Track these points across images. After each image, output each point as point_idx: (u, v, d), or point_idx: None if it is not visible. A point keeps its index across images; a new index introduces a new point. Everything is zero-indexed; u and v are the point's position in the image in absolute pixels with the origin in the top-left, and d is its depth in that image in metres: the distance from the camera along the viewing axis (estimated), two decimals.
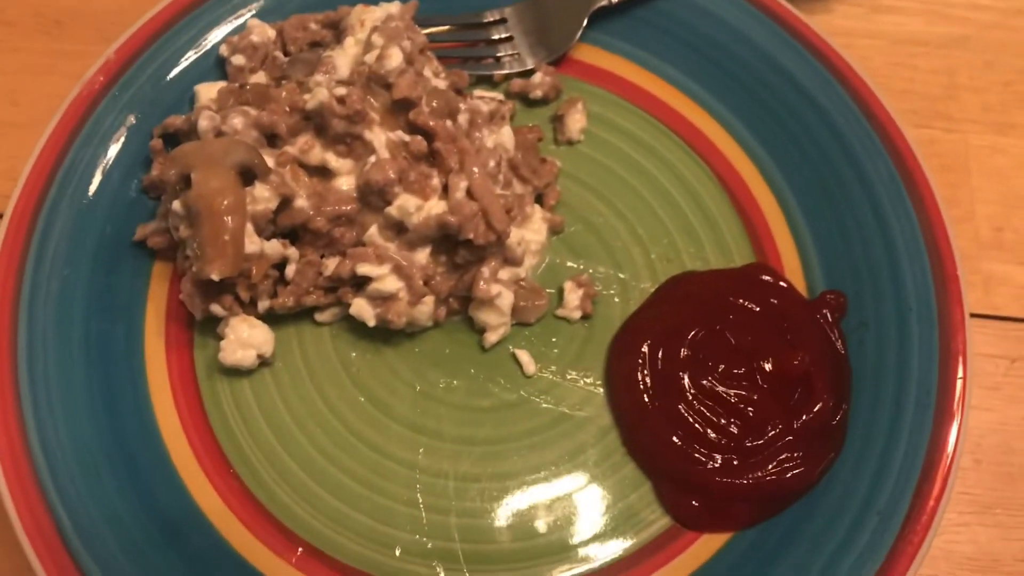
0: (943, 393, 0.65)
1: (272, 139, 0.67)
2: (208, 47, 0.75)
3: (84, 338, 0.67)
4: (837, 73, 0.75)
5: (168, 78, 0.74)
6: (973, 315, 0.73)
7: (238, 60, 0.72)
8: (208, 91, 0.72)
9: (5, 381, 0.63)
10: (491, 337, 0.69)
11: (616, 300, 0.71)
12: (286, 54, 0.74)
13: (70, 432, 0.63)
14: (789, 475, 0.64)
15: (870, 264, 0.70)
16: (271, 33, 0.74)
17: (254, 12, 0.76)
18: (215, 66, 0.75)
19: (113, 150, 0.71)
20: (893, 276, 0.69)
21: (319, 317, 0.69)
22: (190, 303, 0.67)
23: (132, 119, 0.72)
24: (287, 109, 0.67)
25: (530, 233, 0.71)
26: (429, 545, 0.64)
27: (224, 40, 0.74)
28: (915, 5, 0.88)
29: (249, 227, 0.64)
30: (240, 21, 0.75)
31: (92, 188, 0.70)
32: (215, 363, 0.67)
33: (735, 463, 0.64)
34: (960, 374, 0.65)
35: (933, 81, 0.84)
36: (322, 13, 0.75)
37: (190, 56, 0.74)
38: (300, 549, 0.63)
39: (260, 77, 0.72)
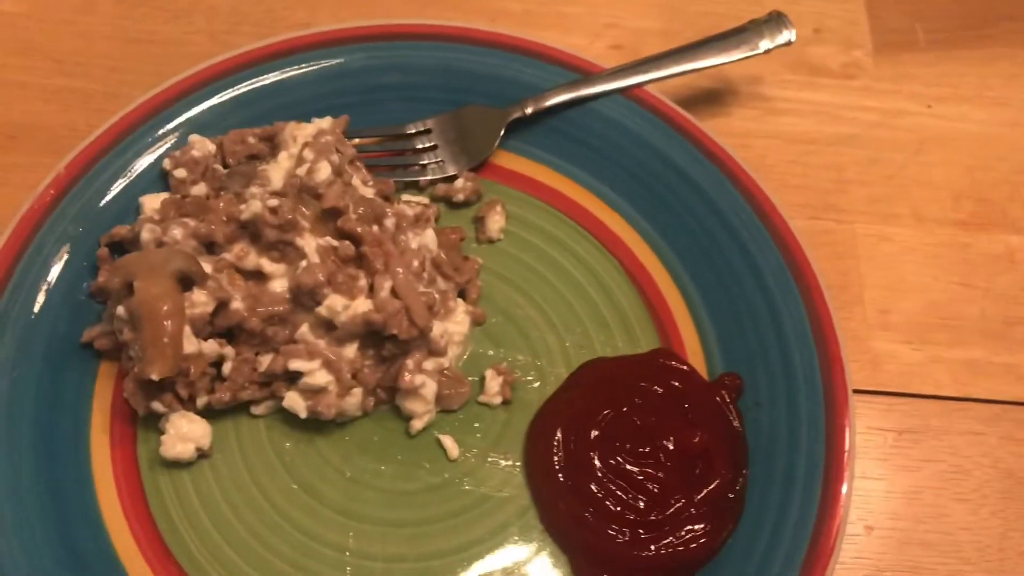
0: (830, 464, 0.71)
1: (210, 247, 0.73)
2: (152, 161, 0.81)
3: (32, 434, 0.71)
4: (728, 172, 0.82)
5: (115, 190, 0.79)
6: (862, 391, 0.81)
7: (180, 173, 0.78)
8: (152, 202, 0.78)
9: None
10: (417, 424, 0.74)
11: (534, 385, 0.77)
12: (225, 166, 0.80)
13: (16, 523, 0.67)
14: (693, 545, 0.69)
15: (763, 348, 0.76)
16: (211, 147, 0.81)
17: (196, 128, 0.82)
18: (159, 178, 0.81)
19: (64, 258, 0.76)
20: (783, 358, 0.75)
21: (255, 410, 0.74)
22: (133, 400, 0.72)
23: (81, 229, 0.77)
24: (224, 219, 0.73)
25: (453, 325, 0.76)
26: None
27: (167, 154, 0.80)
28: (806, 107, 0.96)
29: (188, 329, 0.69)
30: (182, 135, 0.82)
31: (43, 293, 0.75)
32: (157, 456, 0.72)
33: (643, 536, 0.69)
34: (846, 446, 0.71)
35: (824, 176, 0.92)
36: (259, 128, 0.82)
37: (135, 169, 0.80)
38: None
39: (200, 188, 0.78)
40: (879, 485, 0.77)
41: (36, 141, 0.89)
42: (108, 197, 0.79)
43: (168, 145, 0.81)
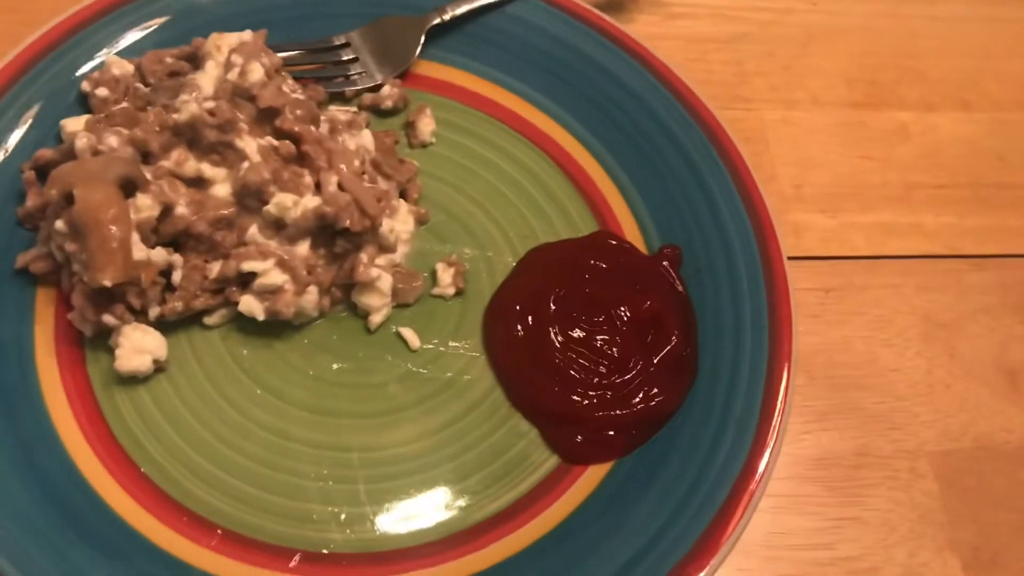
0: (773, 317, 0.75)
1: (146, 157, 0.71)
2: (69, 84, 0.78)
3: None
4: (647, 65, 0.86)
5: (32, 116, 0.76)
6: (789, 258, 0.85)
7: (102, 92, 0.76)
8: (74, 125, 0.75)
9: None
10: (375, 318, 0.74)
11: (484, 275, 0.79)
12: (146, 85, 0.78)
13: None
14: (654, 402, 0.72)
15: (697, 220, 0.80)
16: (130, 68, 0.79)
17: (111, 51, 0.80)
18: (77, 103, 0.78)
19: None
20: (717, 227, 0.79)
21: (208, 320, 0.73)
22: (79, 320, 0.69)
23: (0, 156, 0.74)
24: (157, 128, 0.71)
25: (399, 224, 0.77)
26: (342, 516, 0.68)
27: (85, 77, 0.78)
28: (702, 11, 1.01)
29: (135, 236, 0.67)
30: (98, 61, 0.80)
31: None
32: (110, 375, 0.70)
33: (608, 397, 0.72)
34: (789, 290, 0.75)
35: (726, 71, 0.97)
36: (176, 48, 0.80)
37: (52, 94, 0.77)
38: (219, 532, 0.66)
39: (124, 106, 0.76)
40: (814, 339, 0.82)
41: None
42: (26, 124, 0.76)
43: (84, 69, 0.79)
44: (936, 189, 0.92)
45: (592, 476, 0.71)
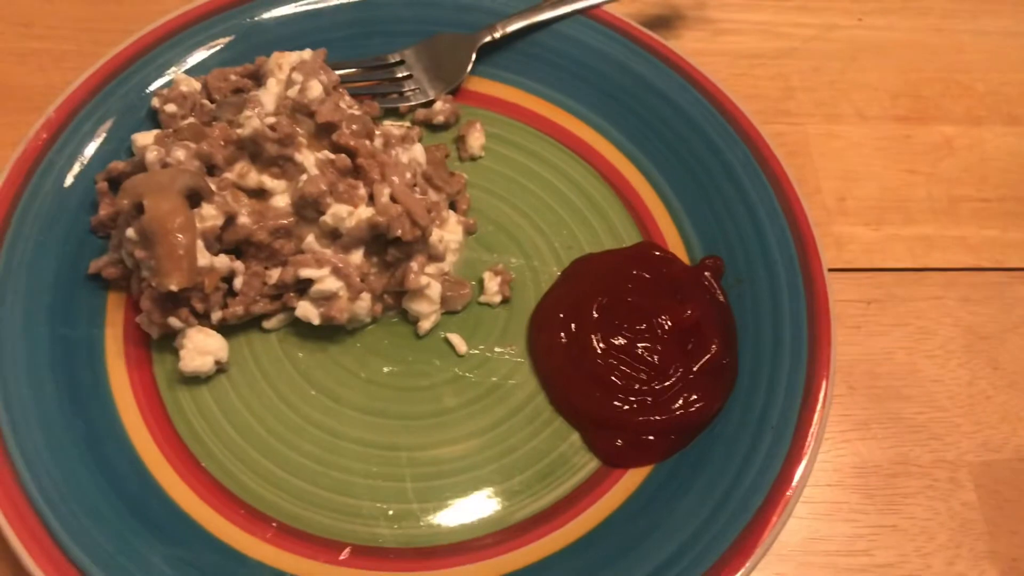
0: (813, 328, 0.76)
1: (211, 170, 0.76)
2: (140, 101, 0.83)
3: (51, 367, 0.72)
4: (692, 80, 0.88)
5: (106, 130, 0.81)
6: (830, 269, 0.86)
7: (170, 108, 0.81)
8: (144, 138, 0.80)
9: None
10: (425, 324, 0.77)
11: (529, 284, 0.81)
12: (211, 101, 0.83)
13: (50, 451, 0.68)
14: (694, 408, 0.74)
15: (739, 232, 0.82)
16: (197, 85, 0.83)
17: (180, 69, 0.85)
18: (147, 118, 0.83)
19: (60, 199, 0.78)
20: (759, 238, 0.81)
21: (267, 324, 0.77)
22: (146, 323, 0.74)
23: (76, 168, 0.79)
24: (222, 142, 0.76)
25: (448, 234, 0.80)
26: (390, 512, 0.71)
27: (155, 93, 0.83)
28: (748, 27, 1.03)
29: (199, 243, 0.72)
30: (167, 78, 0.84)
31: (44, 235, 0.76)
32: (174, 375, 0.74)
33: (648, 403, 0.74)
34: (829, 304, 0.76)
35: (772, 86, 0.99)
36: (240, 66, 0.85)
37: (124, 110, 0.82)
38: (274, 524, 0.69)
39: (191, 122, 0.81)
40: (855, 350, 0.83)
41: (15, 100, 0.90)
42: (100, 138, 0.81)
43: (154, 86, 0.84)
44: (980, 202, 0.93)
45: (631, 479, 0.73)
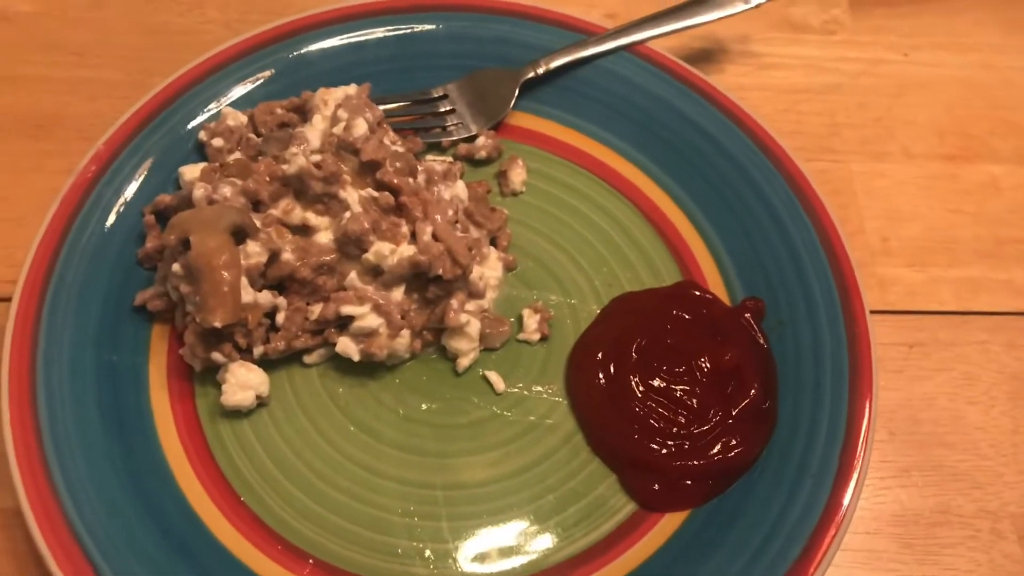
0: (854, 373, 0.75)
1: (256, 205, 0.77)
2: (187, 134, 0.84)
3: (96, 397, 0.73)
4: (733, 117, 0.88)
5: (153, 164, 0.82)
6: (873, 311, 0.85)
7: (217, 142, 0.82)
8: (191, 172, 0.81)
9: (31, 443, 0.69)
10: (463, 362, 0.78)
11: (568, 322, 0.81)
12: (257, 135, 0.84)
13: (93, 481, 0.69)
14: (732, 454, 0.74)
15: (780, 273, 0.81)
16: (243, 118, 0.84)
17: (225, 102, 0.86)
18: (194, 151, 0.84)
19: (108, 231, 0.79)
20: (800, 280, 0.80)
21: (307, 359, 0.78)
22: (190, 356, 0.75)
23: (124, 200, 0.80)
24: (267, 179, 0.76)
25: (488, 271, 0.80)
26: (426, 552, 0.71)
27: (201, 127, 0.84)
28: (794, 61, 1.02)
29: (244, 280, 0.72)
30: (214, 111, 0.86)
31: (93, 263, 0.78)
32: (216, 408, 0.75)
33: (686, 447, 0.74)
34: (871, 348, 0.76)
35: (817, 122, 0.98)
36: (287, 100, 0.86)
37: (171, 143, 0.83)
38: (311, 561, 0.70)
39: (237, 156, 0.82)
40: (897, 395, 0.83)
41: (66, 129, 0.92)
42: (147, 171, 0.82)
43: (201, 119, 0.85)
44: None
45: (668, 524, 0.73)
